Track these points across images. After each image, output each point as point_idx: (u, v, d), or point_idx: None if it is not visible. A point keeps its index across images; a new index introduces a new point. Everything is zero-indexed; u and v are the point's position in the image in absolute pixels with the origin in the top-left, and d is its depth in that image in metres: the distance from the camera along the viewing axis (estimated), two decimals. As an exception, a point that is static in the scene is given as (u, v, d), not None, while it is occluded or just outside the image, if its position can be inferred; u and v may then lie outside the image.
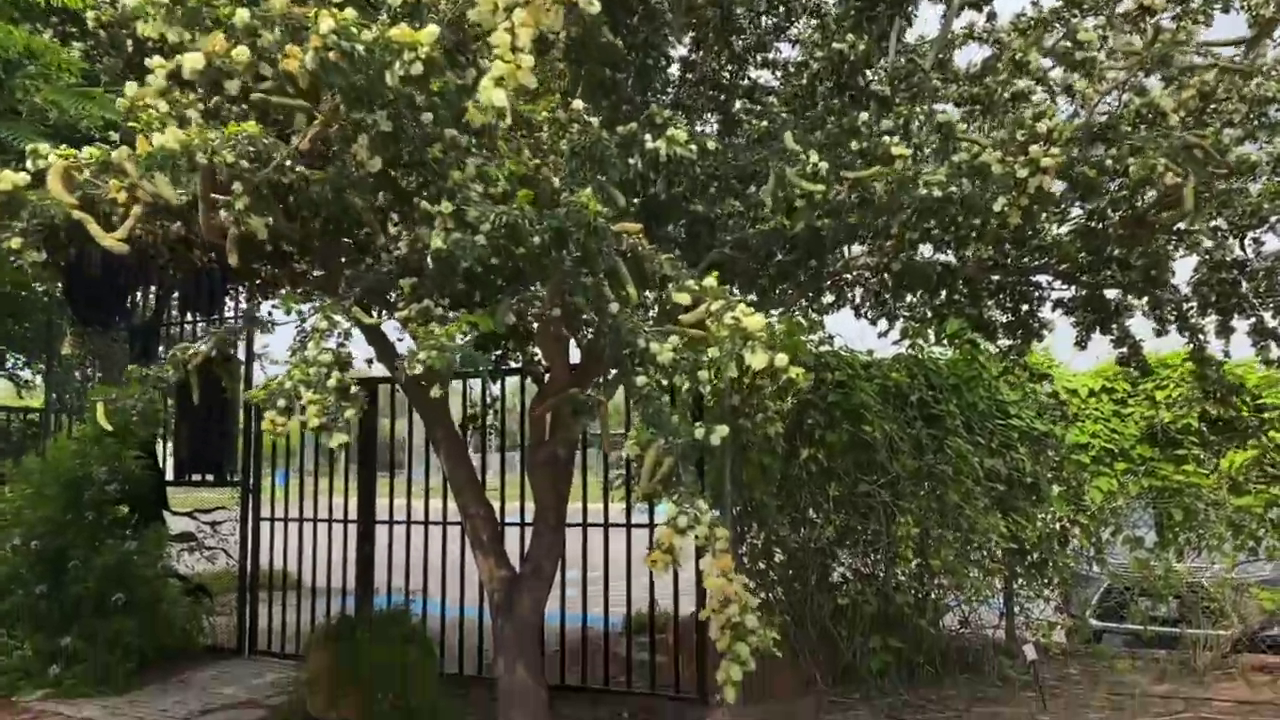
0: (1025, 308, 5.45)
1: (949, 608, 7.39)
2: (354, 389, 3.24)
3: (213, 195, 3.66)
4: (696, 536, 3.14)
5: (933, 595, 7.20)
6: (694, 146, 4.06)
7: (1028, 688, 7.17)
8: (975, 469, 7.12)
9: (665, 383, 3.47)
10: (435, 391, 3.48)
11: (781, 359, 3.12)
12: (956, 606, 7.48)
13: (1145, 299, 5.08)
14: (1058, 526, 8.38)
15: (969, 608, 7.59)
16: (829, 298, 6.38)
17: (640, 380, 3.48)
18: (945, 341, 7.52)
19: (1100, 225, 4.69)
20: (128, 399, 3.70)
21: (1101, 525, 8.33)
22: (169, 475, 8.69)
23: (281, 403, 3.20)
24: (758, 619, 3.00)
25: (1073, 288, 5.25)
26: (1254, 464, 7.71)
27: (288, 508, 8.02)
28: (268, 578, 8.08)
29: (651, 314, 3.76)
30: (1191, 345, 5.21)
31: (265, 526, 8.13)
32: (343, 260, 4.53)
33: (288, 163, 3.61)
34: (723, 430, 3.25)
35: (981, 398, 7.63)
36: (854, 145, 4.28)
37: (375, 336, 5.55)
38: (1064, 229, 4.90)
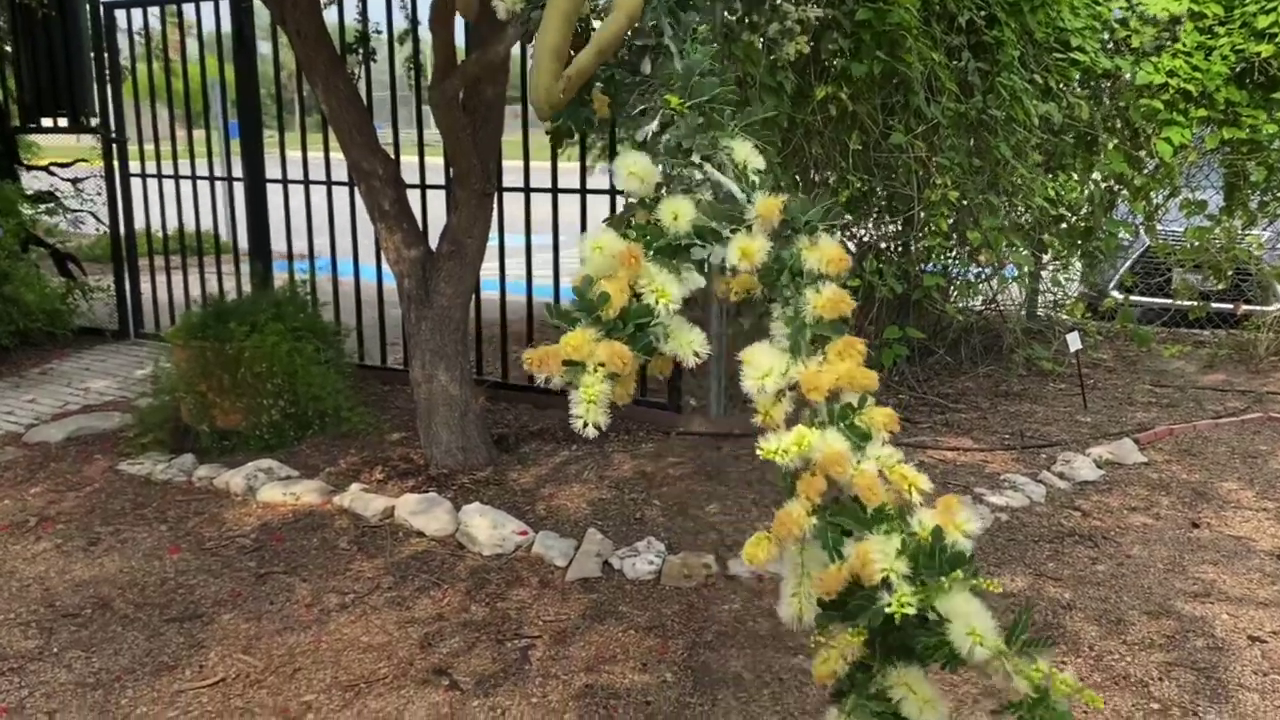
0: None
1: (979, 289, 6.11)
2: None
3: None
4: (729, 228, 1.37)
5: (963, 274, 5.89)
6: None
7: (1059, 379, 6.06)
8: (1030, 115, 5.56)
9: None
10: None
11: None
12: (985, 284, 6.20)
13: None
14: (1104, 188, 6.96)
15: (997, 287, 6.32)
16: None
17: None
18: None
19: None
20: None
21: (1158, 187, 6.91)
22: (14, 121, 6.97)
23: None
24: (968, 516, 1.24)
25: None
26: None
27: (160, 162, 6.41)
28: (147, 245, 6.62)
29: None
30: None
31: (137, 185, 6.54)
32: None
33: None
34: None
35: (1040, 24, 5.91)
36: None
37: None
38: None
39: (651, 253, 1.30)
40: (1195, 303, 6.91)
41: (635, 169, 1.36)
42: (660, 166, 1.38)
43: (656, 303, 1.27)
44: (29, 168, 7.07)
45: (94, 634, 3.18)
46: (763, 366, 1.29)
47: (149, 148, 6.45)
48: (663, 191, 1.37)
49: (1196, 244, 6.81)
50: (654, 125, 1.41)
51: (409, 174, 4.68)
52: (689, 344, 1.31)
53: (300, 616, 3.28)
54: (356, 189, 4.51)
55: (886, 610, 1.14)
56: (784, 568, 1.29)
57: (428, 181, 5.29)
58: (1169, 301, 7.13)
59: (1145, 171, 6.81)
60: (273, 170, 6.00)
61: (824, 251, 1.32)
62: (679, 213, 1.31)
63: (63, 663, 3.03)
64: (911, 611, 1.13)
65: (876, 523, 1.21)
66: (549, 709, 2.85)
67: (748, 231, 1.32)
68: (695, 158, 1.37)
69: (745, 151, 1.38)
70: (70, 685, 2.92)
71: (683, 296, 1.28)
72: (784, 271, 1.34)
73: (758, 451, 1.23)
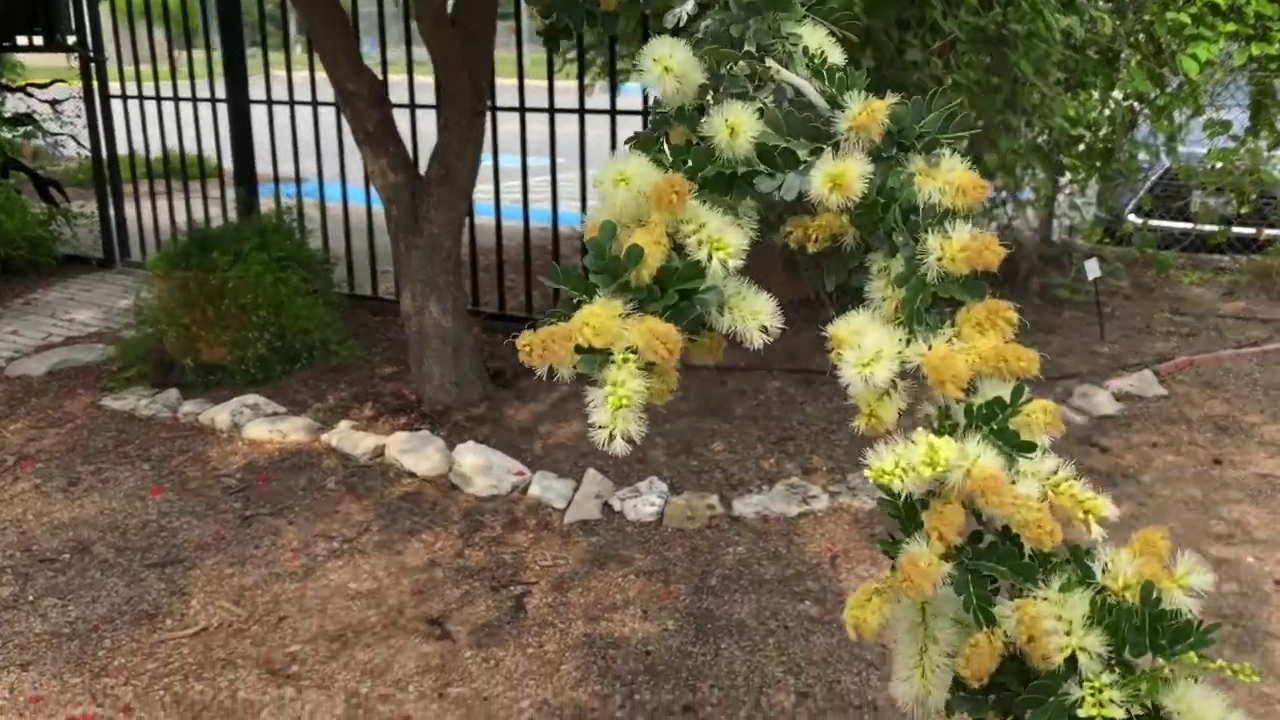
0: None
1: (993, 215, 5.88)
2: None
3: None
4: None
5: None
6: None
7: (1075, 308, 5.86)
8: (1052, 30, 5.27)
9: None
10: None
11: None
12: (1000, 209, 5.97)
13: None
14: (1126, 107, 6.68)
15: (1013, 211, 6.09)
16: None
17: None
18: None
19: None
20: None
21: (1181, 105, 6.61)
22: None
23: None
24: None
25: None
26: None
27: (140, 83, 6.13)
28: (130, 170, 6.37)
29: None
30: None
31: (118, 107, 6.28)
32: None
33: None
34: None
35: (1063, -70, 5.58)
36: None
37: None
38: None
39: (698, 185, 0.93)
40: (1216, 227, 6.68)
41: (670, 61, 0.94)
42: (704, 62, 0.96)
43: (709, 258, 0.89)
44: (7, 89, 6.79)
45: (71, 580, 3.05)
46: (869, 347, 0.89)
47: (129, 69, 6.17)
48: (708, 98, 0.96)
49: (1219, 166, 6.55)
50: (689, 5, 1.03)
51: (399, 95, 4.44)
52: (755, 316, 0.93)
53: (286, 562, 3.15)
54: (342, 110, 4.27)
55: (1079, 713, 0.78)
56: (897, 626, 0.92)
57: (418, 102, 5.04)
58: (1189, 226, 6.89)
59: (1169, 90, 6.53)
60: (257, 91, 5.75)
61: (950, 177, 0.91)
62: (737, 126, 0.91)
63: (38, 611, 2.91)
64: (1119, 715, 0.78)
65: (1042, 571, 0.85)
66: (545, 660, 2.73)
67: (836, 151, 0.92)
68: (750, 49, 0.96)
69: (818, 41, 0.98)
70: (46, 635, 2.80)
71: (745, 248, 0.91)
72: (892, 207, 0.94)
73: (865, 473, 0.86)
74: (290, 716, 2.49)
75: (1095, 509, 0.87)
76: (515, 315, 5.19)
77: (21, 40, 6.49)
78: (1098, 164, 6.53)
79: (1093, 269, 5.37)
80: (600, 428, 0.85)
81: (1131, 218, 7.01)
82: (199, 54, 5.99)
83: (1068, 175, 6.58)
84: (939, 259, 0.91)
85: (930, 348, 0.89)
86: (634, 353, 0.84)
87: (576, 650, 2.77)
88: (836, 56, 1.01)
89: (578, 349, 0.85)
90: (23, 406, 4.35)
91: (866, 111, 0.92)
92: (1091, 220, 6.94)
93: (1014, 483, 0.86)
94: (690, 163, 0.93)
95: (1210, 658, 0.82)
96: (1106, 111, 6.41)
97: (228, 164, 5.94)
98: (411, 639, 2.79)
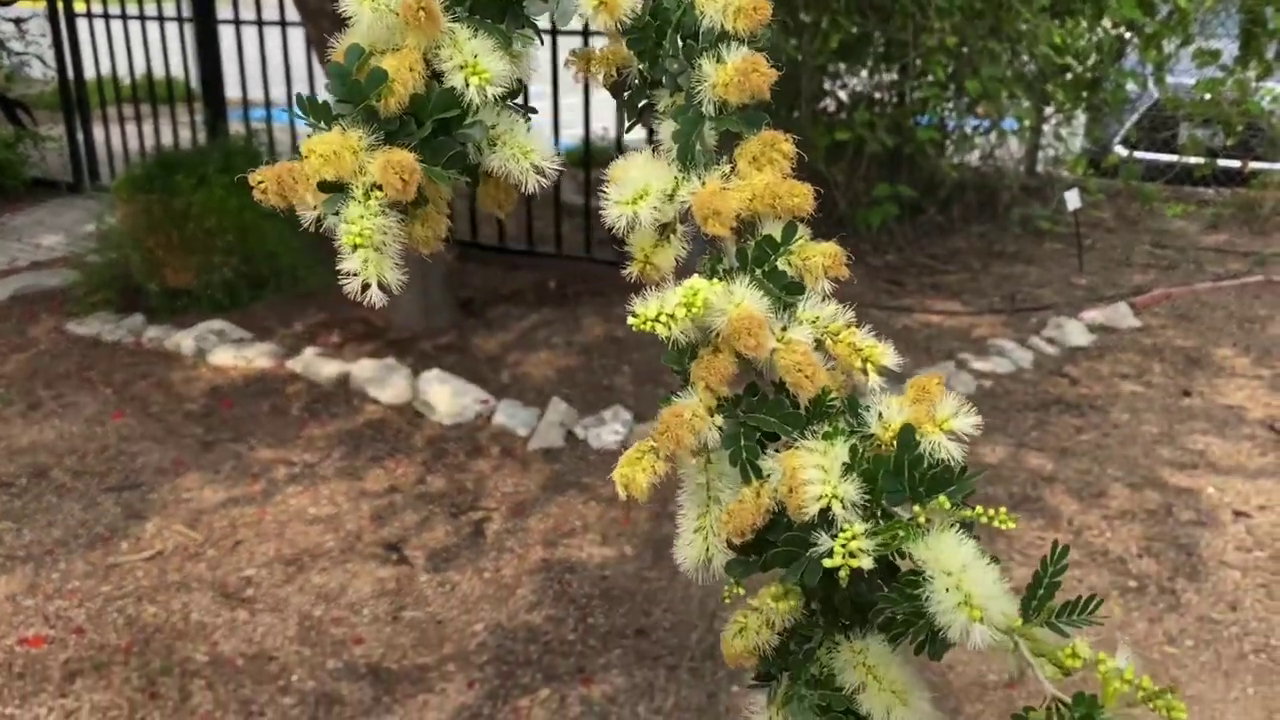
0: None
1: (976, 144, 5.79)
2: None
3: None
4: None
5: (959, 127, 5.56)
6: None
7: (1056, 239, 5.82)
8: (1039, -47, 5.15)
9: None
10: None
11: None
12: (984, 137, 5.88)
13: None
14: (1114, 35, 6.55)
15: (995, 141, 6.00)
16: None
17: None
18: None
19: None
20: None
21: (1171, 34, 6.49)
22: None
23: None
24: None
25: None
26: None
27: (106, 2, 5.97)
28: (99, 92, 6.23)
29: None
30: None
31: (84, 26, 6.12)
32: None
33: None
34: None
35: None
36: None
37: None
38: None
39: (464, 9, 0.81)
40: (1202, 159, 6.60)
41: None
42: None
43: (467, 85, 0.79)
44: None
45: (27, 504, 3.04)
46: (635, 183, 0.81)
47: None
48: None
49: (1207, 97, 6.44)
50: None
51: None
52: (526, 153, 0.82)
53: (245, 486, 3.14)
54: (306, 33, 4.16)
55: (825, 563, 0.72)
56: (683, 491, 0.84)
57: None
58: (1174, 158, 6.81)
59: (1158, 18, 6.40)
60: (225, 11, 5.60)
61: None
62: None
63: (-7, 535, 2.90)
64: (866, 565, 0.71)
65: (815, 422, 0.77)
66: (501, 584, 2.73)
67: None
68: None
69: None
70: None
71: (514, 79, 0.80)
72: (667, 31, 0.84)
73: (629, 321, 0.77)
74: (242, 639, 2.49)
75: (874, 357, 0.80)
76: (487, 244, 5.13)
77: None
78: (1084, 94, 6.43)
79: (1073, 200, 5.32)
80: (351, 277, 0.76)
81: (1118, 149, 6.93)
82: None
83: (1053, 105, 6.49)
84: (714, 87, 0.82)
85: (704, 185, 0.81)
86: (378, 189, 0.76)
87: (533, 575, 2.77)
88: None
89: (321, 187, 0.76)
90: (-14, 331, 4.30)
91: None
92: (1077, 151, 6.86)
93: (786, 328, 0.80)
94: None
95: (969, 506, 0.74)
96: (1094, 40, 6.29)
97: (198, 86, 5.82)
98: (368, 564, 2.79)
